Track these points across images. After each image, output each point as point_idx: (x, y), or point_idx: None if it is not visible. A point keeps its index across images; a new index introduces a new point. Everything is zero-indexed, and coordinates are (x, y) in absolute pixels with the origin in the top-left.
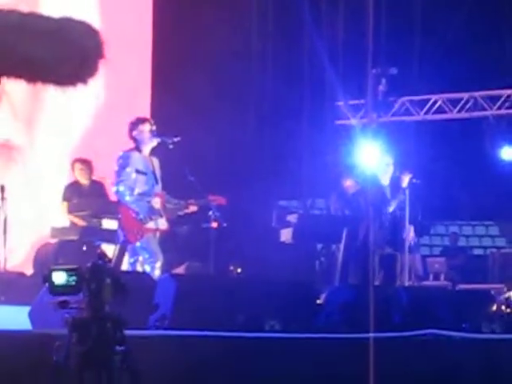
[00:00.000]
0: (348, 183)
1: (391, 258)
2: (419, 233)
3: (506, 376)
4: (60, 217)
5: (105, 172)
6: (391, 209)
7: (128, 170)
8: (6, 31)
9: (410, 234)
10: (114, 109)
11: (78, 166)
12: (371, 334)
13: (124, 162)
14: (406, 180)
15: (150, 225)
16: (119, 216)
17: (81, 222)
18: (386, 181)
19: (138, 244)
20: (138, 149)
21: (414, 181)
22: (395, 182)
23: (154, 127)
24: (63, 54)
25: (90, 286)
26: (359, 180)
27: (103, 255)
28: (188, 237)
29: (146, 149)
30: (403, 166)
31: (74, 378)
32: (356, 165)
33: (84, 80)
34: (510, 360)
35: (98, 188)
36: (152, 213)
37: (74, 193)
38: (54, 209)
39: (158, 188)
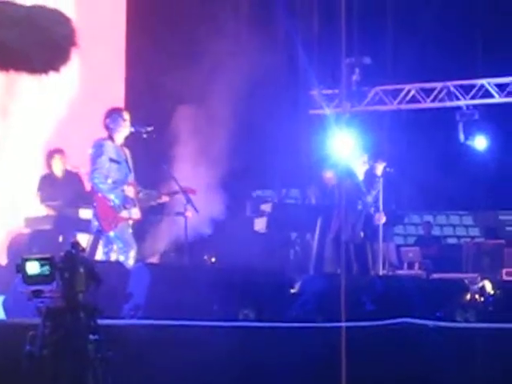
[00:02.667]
0: (328, 175)
1: (363, 248)
2: (393, 222)
3: (480, 364)
4: (34, 207)
5: (79, 162)
6: (370, 199)
7: (102, 158)
8: None
9: (381, 220)
10: (89, 99)
11: (52, 156)
12: (344, 323)
13: (98, 150)
14: (379, 168)
15: (124, 214)
16: (94, 204)
17: (53, 212)
18: (360, 175)
19: (111, 233)
20: (110, 138)
21: (388, 169)
22: (370, 172)
23: (128, 117)
24: (35, 42)
25: (64, 275)
26: (334, 171)
27: (77, 244)
28: (162, 226)
29: (119, 138)
30: (377, 155)
31: (47, 367)
32: (330, 155)
33: (56, 68)
34: (483, 349)
35: (71, 178)
36: (126, 201)
37: (47, 183)
38: (29, 199)
39: (131, 177)
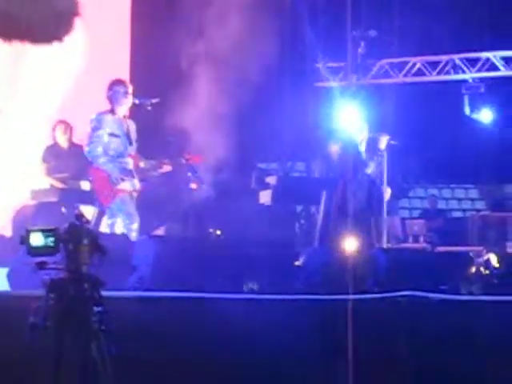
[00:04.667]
0: (334, 148)
1: (366, 219)
2: (398, 195)
3: (483, 337)
4: (40, 179)
5: (84, 134)
6: (370, 170)
7: (100, 132)
8: None
9: (386, 195)
10: (94, 71)
11: (58, 128)
12: (350, 296)
13: (96, 124)
14: (383, 142)
15: (124, 186)
16: (90, 178)
17: (59, 185)
18: (362, 145)
19: (113, 205)
20: (112, 110)
21: (392, 142)
22: (372, 144)
23: (130, 89)
24: (37, 12)
25: (68, 246)
26: (338, 144)
27: (81, 216)
28: (167, 198)
29: (121, 110)
30: (381, 128)
31: (51, 338)
32: (335, 128)
33: (59, 37)
34: (487, 321)
35: (76, 150)
36: (124, 174)
37: (52, 154)
38: (35, 171)
39: (132, 149)
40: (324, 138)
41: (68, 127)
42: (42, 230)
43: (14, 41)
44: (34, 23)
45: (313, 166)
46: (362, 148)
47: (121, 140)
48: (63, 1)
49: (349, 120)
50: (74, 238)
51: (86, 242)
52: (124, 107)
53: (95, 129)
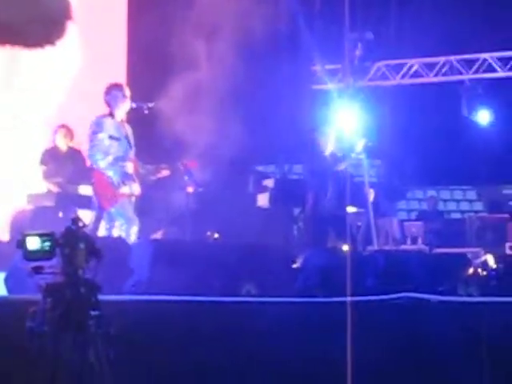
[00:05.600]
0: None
1: (342, 218)
2: (396, 197)
3: (482, 339)
4: (36, 183)
5: (81, 139)
6: (343, 166)
7: (100, 135)
8: None
9: (370, 196)
10: (91, 75)
11: (59, 131)
12: (348, 298)
13: (96, 127)
14: (360, 145)
15: (124, 190)
16: (92, 181)
17: (56, 189)
18: (329, 148)
19: (113, 210)
20: (111, 114)
21: (369, 144)
22: (348, 146)
23: (128, 93)
24: (30, 15)
25: (64, 250)
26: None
27: (77, 220)
28: (164, 202)
29: (119, 114)
30: (355, 133)
31: (48, 343)
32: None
33: (51, 41)
34: (485, 323)
35: (75, 154)
36: (125, 178)
37: (50, 158)
38: (32, 175)
39: (132, 153)
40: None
41: (69, 131)
42: (39, 235)
43: (5, 45)
44: (25, 28)
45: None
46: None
47: (121, 143)
48: (54, 4)
49: (346, 122)
50: (71, 242)
51: (82, 245)
52: (122, 111)
53: (96, 132)
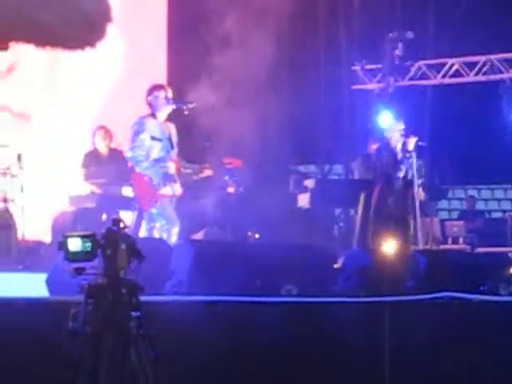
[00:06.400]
0: (374, 147)
1: (404, 223)
2: (437, 197)
3: None
4: (78, 185)
5: (124, 140)
6: (401, 174)
7: (142, 136)
8: None
9: (419, 197)
10: (133, 76)
11: (97, 133)
12: (388, 298)
13: (138, 128)
14: (411, 143)
15: (165, 191)
16: (132, 182)
17: (97, 190)
18: (398, 146)
19: (154, 210)
20: (153, 115)
21: (420, 143)
22: (402, 147)
23: (170, 93)
24: (70, 17)
25: (105, 252)
26: (376, 145)
27: (118, 221)
28: (206, 202)
29: (162, 115)
30: (409, 130)
31: (90, 344)
32: (374, 128)
33: (92, 43)
34: None
35: (116, 155)
36: (166, 179)
37: (92, 160)
38: (73, 177)
39: (174, 153)
40: (361, 140)
41: (108, 133)
42: (80, 236)
43: (46, 47)
44: (64, 30)
45: (353, 166)
46: (398, 148)
47: (163, 144)
48: (94, 6)
49: (386, 122)
50: (112, 243)
51: (123, 246)
52: (164, 112)
53: (138, 132)
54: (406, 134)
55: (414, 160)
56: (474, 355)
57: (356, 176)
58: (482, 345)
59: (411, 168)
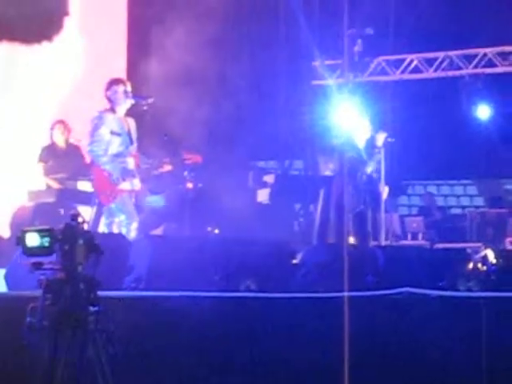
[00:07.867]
0: (336, 142)
1: (363, 216)
2: (396, 193)
3: (482, 333)
4: (37, 180)
5: (82, 135)
6: (369, 169)
7: (101, 130)
8: None
9: (384, 193)
10: (91, 72)
11: (56, 127)
12: (346, 293)
13: (98, 122)
14: (380, 139)
15: (125, 186)
16: (92, 177)
17: (56, 185)
18: (361, 143)
19: (113, 205)
20: (112, 110)
21: (389, 139)
22: (370, 142)
23: (129, 88)
24: (28, 12)
25: (63, 246)
26: (337, 141)
27: (77, 216)
28: (165, 197)
29: (121, 109)
30: (379, 126)
31: (48, 339)
32: (334, 125)
33: (49, 37)
34: (485, 318)
35: (73, 150)
36: (125, 174)
37: (49, 154)
38: (31, 172)
39: (133, 148)
40: (321, 135)
41: (66, 127)
42: (38, 230)
43: (2, 42)
44: (22, 24)
45: (318, 160)
46: (361, 145)
47: (122, 139)
48: (51, 0)
49: (346, 118)
50: (70, 238)
51: (81, 241)
52: (123, 107)
53: (97, 127)
54: (375, 130)
55: (383, 156)
56: (432, 351)
57: (322, 170)
58: (440, 340)
59: (379, 164)
